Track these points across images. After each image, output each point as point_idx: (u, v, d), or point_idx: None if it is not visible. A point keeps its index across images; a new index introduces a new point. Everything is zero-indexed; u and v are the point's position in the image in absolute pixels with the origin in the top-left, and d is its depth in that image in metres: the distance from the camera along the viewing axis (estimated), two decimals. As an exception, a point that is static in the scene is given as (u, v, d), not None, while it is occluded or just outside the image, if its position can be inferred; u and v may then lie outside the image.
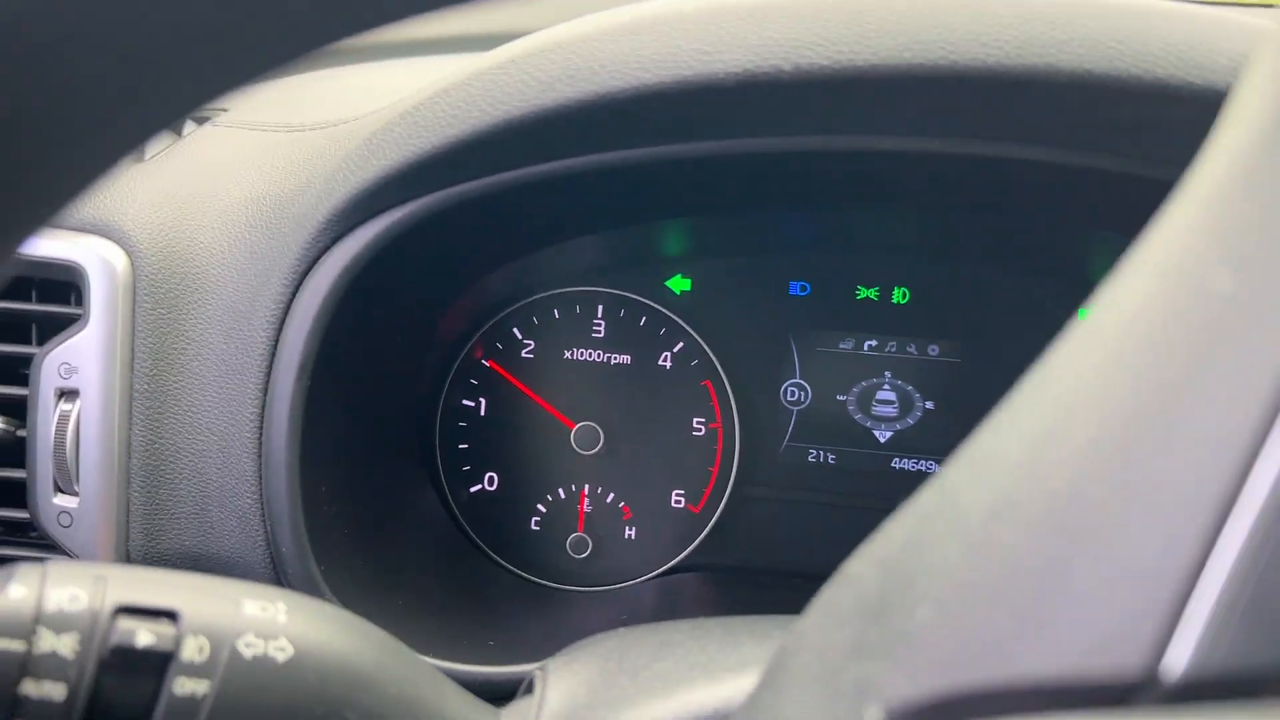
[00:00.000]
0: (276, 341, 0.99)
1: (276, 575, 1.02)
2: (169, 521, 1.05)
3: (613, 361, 1.33)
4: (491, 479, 1.33)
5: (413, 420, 1.25)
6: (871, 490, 1.31)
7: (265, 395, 1.00)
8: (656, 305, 1.32)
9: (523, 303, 1.33)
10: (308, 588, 1.00)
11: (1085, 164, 0.82)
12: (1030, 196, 1.01)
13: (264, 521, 1.01)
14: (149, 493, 1.04)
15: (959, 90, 0.72)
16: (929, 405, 1.31)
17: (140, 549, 1.05)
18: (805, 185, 1.05)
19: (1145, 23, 0.69)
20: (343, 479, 1.06)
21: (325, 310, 0.96)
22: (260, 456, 1.00)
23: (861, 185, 1.06)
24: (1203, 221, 0.35)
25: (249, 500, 1.02)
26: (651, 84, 0.76)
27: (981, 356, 1.30)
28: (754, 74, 0.73)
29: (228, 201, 1.07)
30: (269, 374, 0.99)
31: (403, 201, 0.93)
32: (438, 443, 1.31)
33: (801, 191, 1.10)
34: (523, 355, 1.33)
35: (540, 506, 1.32)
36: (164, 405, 1.04)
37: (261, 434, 1.00)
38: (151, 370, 1.03)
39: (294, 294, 0.98)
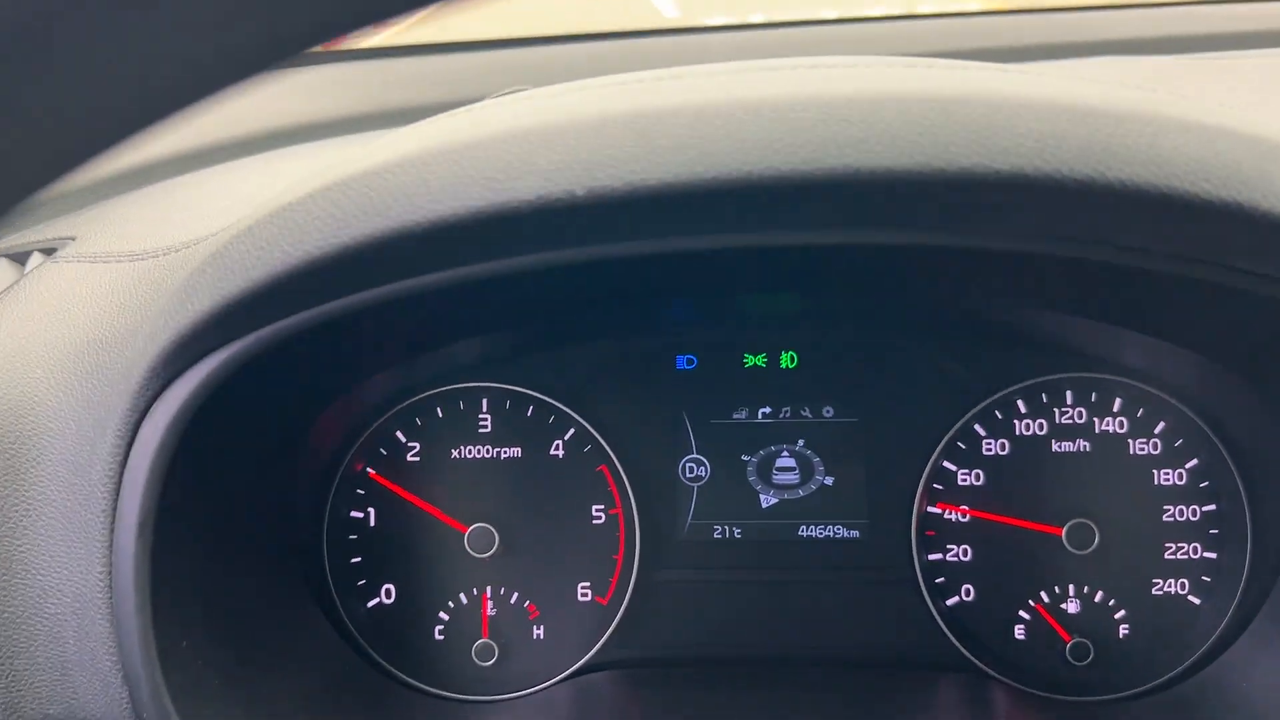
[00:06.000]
0: (117, 496, 0.94)
1: (146, 739, 0.96)
2: (29, 691, 0.99)
3: (503, 456, 1.28)
4: (389, 591, 1.27)
5: (293, 543, 1.20)
6: (780, 562, 1.27)
7: (111, 553, 0.94)
8: (542, 394, 1.28)
9: (403, 405, 1.28)
10: (176, 752, 0.94)
11: (924, 243, 0.79)
12: (893, 272, 0.98)
13: (126, 684, 0.96)
14: (4, 664, 0.98)
15: (763, 196, 0.68)
16: (829, 468, 1.27)
17: (3, 722, 0.99)
18: (667, 280, 1.02)
19: (943, 111, 0.66)
20: (209, 627, 1.01)
21: (159, 463, 0.91)
22: (113, 617, 0.95)
23: (727, 275, 1.02)
24: None
25: (108, 662, 0.96)
26: (445, 215, 0.72)
27: (876, 414, 1.27)
28: (547, 199, 0.69)
29: (63, 348, 1.02)
30: (113, 531, 0.94)
31: (226, 342, 0.88)
32: (326, 560, 1.26)
33: (667, 286, 1.06)
34: (408, 459, 1.28)
35: (443, 615, 1.27)
36: (11, 570, 0.98)
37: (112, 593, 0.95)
38: (-5, 535, 0.98)
39: (129, 446, 0.93)
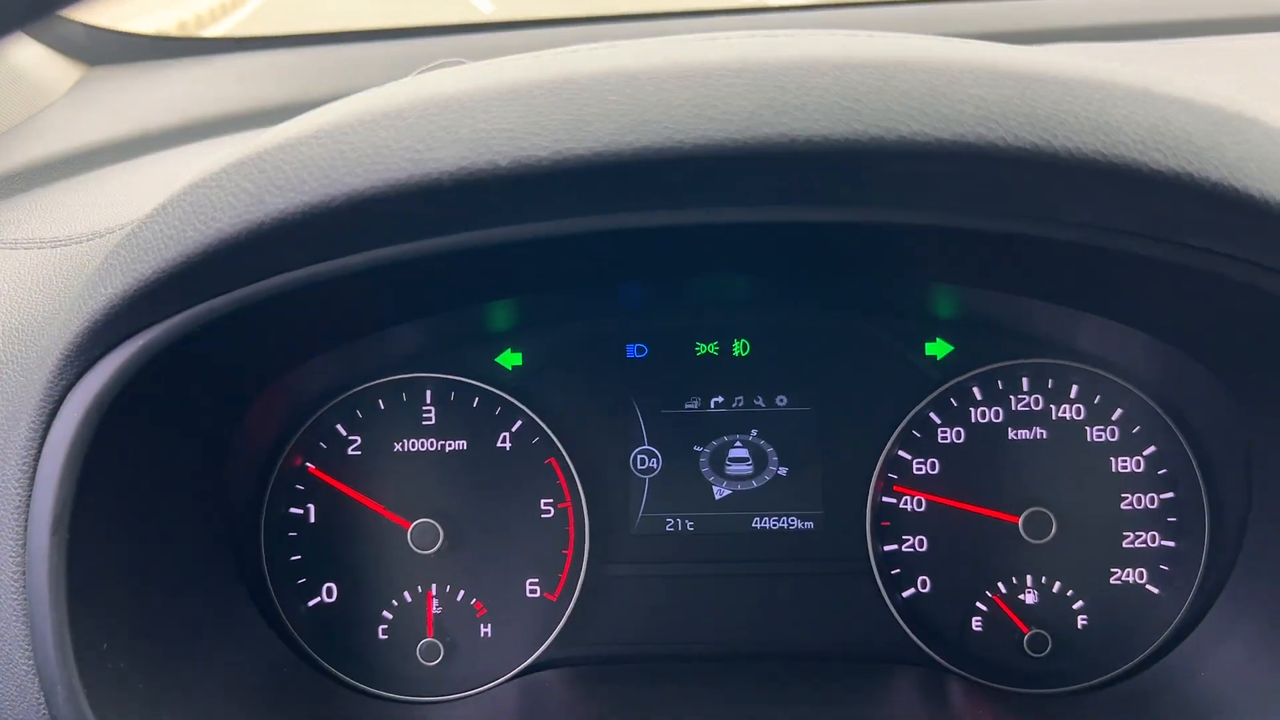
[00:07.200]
0: (31, 492, 0.89)
1: (65, 747, 0.92)
2: (-59, 699, 0.94)
3: (447, 449, 1.24)
4: (330, 590, 1.23)
5: (227, 540, 1.15)
6: (733, 554, 1.24)
7: (25, 552, 0.90)
8: (487, 385, 1.24)
9: (343, 396, 1.24)
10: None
11: (864, 220, 0.76)
12: (842, 253, 0.95)
13: (41, 688, 0.91)
14: (-86, 671, 0.93)
15: (694, 166, 0.65)
16: (783, 459, 1.24)
17: (-87, 732, 0.94)
18: (608, 261, 0.98)
19: (881, 76, 0.63)
20: (133, 629, 0.96)
21: (74, 456, 0.86)
22: (28, 619, 0.90)
23: (668, 257, 0.99)
24: None
25: (24, 667, 0.92)
26: (361, 189, 0.68)
27: (831, 403, 1.24)
28: (469, 170, 0.65)
29: (-24, 335, 0.97)
30: (27, 528, 0.89)
31: (142, 328, 0.84)
32: (265, 558, 1.22)
33: (608, 267, 1.03)
34: (349, 453, 1.24)
35: (386, 614, 1.23)
36: (-80, 572, 0.93)
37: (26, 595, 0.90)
38: (-96, 535, 0.93)
39: (43, 438, 0.88)
